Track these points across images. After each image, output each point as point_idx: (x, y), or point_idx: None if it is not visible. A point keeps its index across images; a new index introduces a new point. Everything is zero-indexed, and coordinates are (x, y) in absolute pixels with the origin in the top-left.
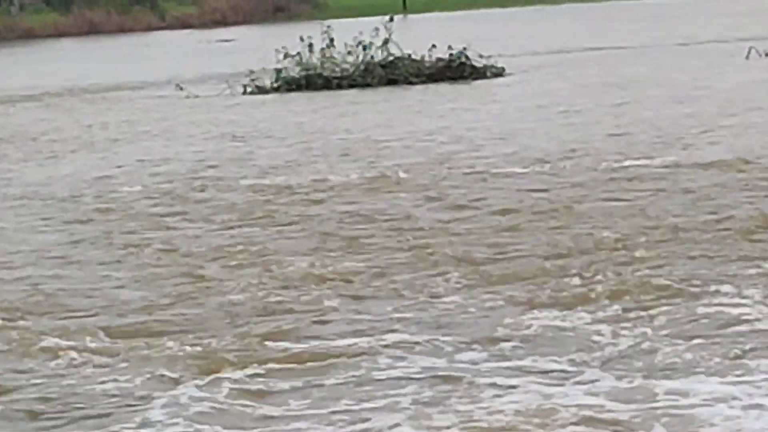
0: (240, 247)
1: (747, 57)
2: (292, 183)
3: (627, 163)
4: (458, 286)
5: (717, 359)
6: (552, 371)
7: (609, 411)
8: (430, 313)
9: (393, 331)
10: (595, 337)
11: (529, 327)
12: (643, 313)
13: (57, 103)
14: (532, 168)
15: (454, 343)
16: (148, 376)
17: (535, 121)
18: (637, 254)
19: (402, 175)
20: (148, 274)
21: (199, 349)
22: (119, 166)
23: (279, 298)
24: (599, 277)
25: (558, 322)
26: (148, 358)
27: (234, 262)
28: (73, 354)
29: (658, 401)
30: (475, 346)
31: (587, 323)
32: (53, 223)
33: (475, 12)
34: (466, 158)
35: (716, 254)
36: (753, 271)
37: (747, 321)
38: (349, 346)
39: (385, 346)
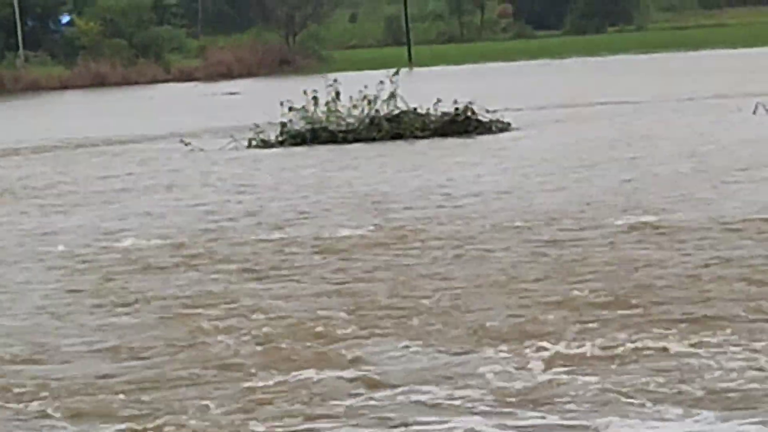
0: (240, 300)
1: (754, 112)
2: (297, 237)
3: (642, 218)
4: (460, 342)
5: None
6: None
7: None
8: (436, 373)
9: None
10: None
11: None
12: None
13: (61, 156)
14: (543, 223)
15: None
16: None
17: (544, 176)
18: (654, 312)
19: (409, 229)
20: (142, 326)
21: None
22: (123, 219)
23: (270, 353)
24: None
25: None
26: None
27: (232, 315)
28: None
29: None
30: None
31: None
32: (55, 275)
33: (482, 66)
34: (475, 212)
35: (728, 312)
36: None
37: None
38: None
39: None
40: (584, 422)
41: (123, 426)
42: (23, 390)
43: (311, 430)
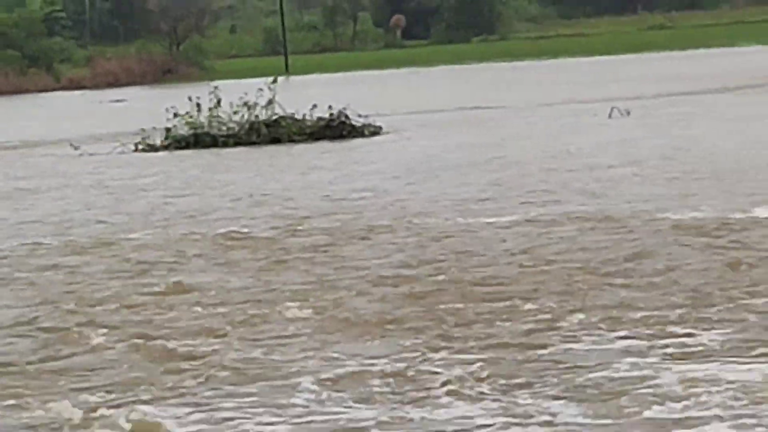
0: (118, 299)
1: (610, 116)
2: (185, 233)
3: (503, 218)
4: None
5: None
6: None
7: None
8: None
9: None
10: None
11: None
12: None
13: None
14: (417, 220)
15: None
16: None
17: (416, 176)
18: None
19: (286, 226)
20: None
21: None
22: (8, 219)
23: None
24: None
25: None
26: None
27: (113, 311)
28: None
29: None
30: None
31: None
32: None
33: (354, 73)
34: (349, 210)
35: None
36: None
37: None
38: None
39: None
40: None
41: None
42: None
43: None
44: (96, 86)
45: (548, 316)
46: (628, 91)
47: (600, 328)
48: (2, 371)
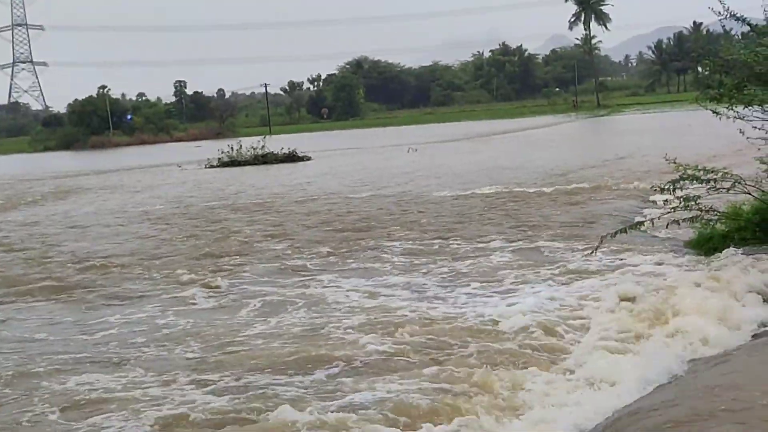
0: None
1: (408, 152)
2: (233, 203)
3: (365, 194)
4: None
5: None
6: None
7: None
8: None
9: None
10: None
11: None
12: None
13: (116, 174)
14: (321, 198)
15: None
16: None
17: (327, 177)
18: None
19: (278, 202)
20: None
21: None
22: (155, 198)
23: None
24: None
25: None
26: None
27: (185, 255)
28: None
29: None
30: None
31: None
32: (117, 219)
33: (300, 135)
34: (304, 192)
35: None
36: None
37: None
38: None
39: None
40: None
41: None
42: None
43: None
44: (189, 140)
45: (383, 231)
46: (417, 140)
47: (400, 238)
48: None
